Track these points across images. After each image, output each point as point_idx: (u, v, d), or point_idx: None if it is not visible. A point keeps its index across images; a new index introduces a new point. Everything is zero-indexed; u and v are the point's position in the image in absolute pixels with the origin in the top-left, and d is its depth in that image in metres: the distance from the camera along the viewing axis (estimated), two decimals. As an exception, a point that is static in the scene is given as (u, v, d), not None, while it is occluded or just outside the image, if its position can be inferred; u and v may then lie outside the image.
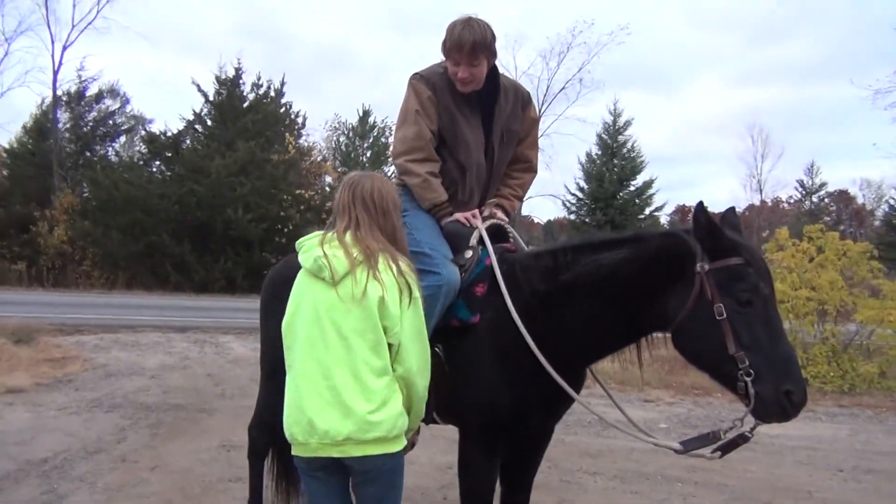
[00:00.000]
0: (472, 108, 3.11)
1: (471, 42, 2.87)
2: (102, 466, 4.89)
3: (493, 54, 3.03)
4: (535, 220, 42.66)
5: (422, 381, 2.31)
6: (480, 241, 2.96)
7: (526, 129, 3.32)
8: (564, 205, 33.38)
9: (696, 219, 2.38)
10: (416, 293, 2.29)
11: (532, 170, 3.43)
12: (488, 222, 3.07)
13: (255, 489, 3.70)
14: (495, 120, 3.16)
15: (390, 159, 3.34)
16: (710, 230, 2.37)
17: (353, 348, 2.17)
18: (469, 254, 2.92)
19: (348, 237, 2.29)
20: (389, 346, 2.23)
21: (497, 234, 3.09)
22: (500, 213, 3.19)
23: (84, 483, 4.56)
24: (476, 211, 3.10)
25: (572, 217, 33.35)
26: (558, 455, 5.61)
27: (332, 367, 2.16)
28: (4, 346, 9.23)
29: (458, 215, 3.04)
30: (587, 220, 31.53)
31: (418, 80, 3.06)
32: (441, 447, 5.43)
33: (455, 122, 3.06)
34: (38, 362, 8.63)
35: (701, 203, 2.36)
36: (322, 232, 2.37)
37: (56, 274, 24.56)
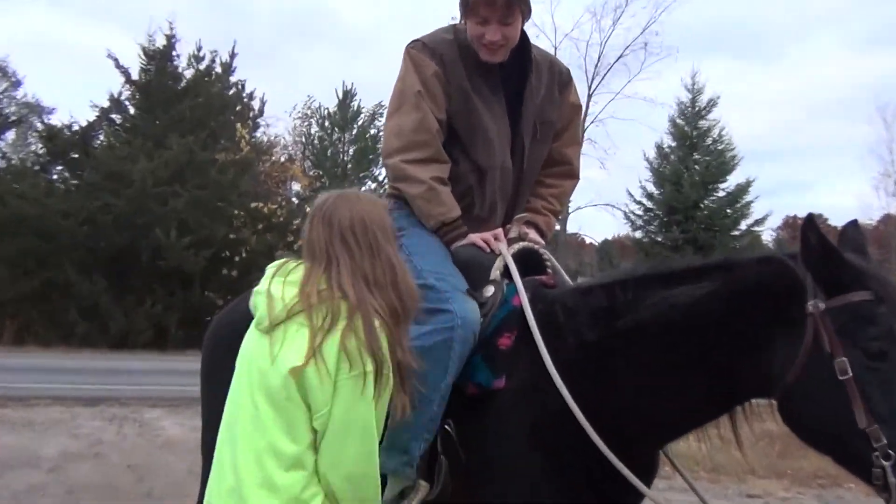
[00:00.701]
0: (495, 89, 3.16)
1: None
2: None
3: (529, 10, 3.09)
4: (587, 241, 42.64)
5: (352, 495, 2.22)
6: (506, 272, 2.97)
7: (565, 120, 3.38)
8: (627, 218, 33.46)
9: (804, 238, 2.38)
10: (369, 368, 2.16)
11: (573, 175, 3.49)
12: (516, 246, 3.08)
13: None
14: (525, 106, 3.20)
15: (381, 159, 3.43)
16: (824, 254, 2.37)
17: (262, 422, 2.14)
18: (490, 291, 2.93)
19: (322, 279, 2.27)
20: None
21: (529, 261, 3.11)
22: (532, 234, 3.23)
23: None
24: (500, 230, 3.11)
25: (638, 235, 33.40)
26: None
27: (239, 442, 2.16)
28: None
29: (475, 237, 3.04)
30: (659, 238, 31.51)
31: (420, 49, 3.11)
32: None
33: (472, 109, 3.10)
34: None
35: (811, 216, 2.38)
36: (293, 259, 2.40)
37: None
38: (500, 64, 3.12)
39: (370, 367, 2.15)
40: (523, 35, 3.15)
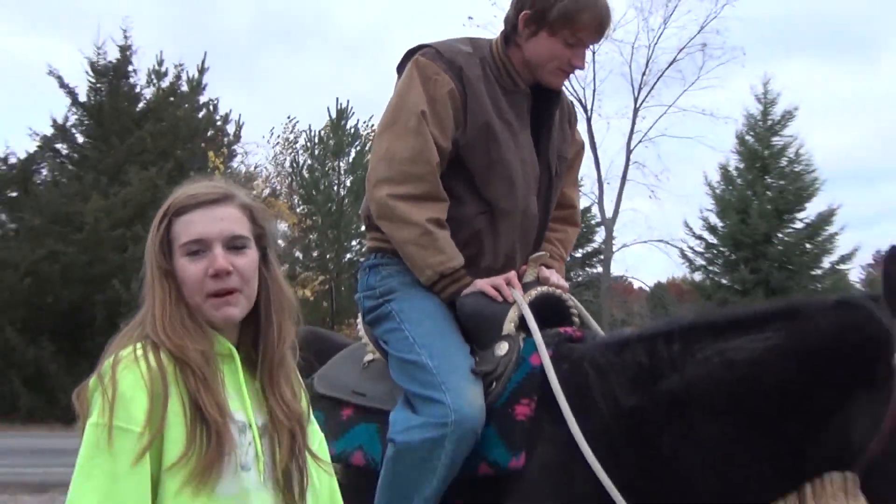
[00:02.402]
0: (521, 116, 3.20)
1: (609, 16, 3.12)
2: None
3: None
4: (636, 286, 42.55)
5: None
6: (522, 324, 2.97)
7: (572, 159, 3.49)
8: (684, 256, 33.42)
9: (887, 276, 2.40)
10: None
11: (576, 222, 3.64)
12: (534, 292, 3.09)
13: None
14: (553, 139, 3.27)
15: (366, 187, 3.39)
16: (915, 297, 2.38)
17: None
18: (503, 348, 2.93)
19: None
20: None
21: (552, 312, 3.12)
22: (555, 277, 3.23)
23: None
24: (513, 273, 3.11)
25: (698, 277, 33.34)
26: None
27: None
28: None
29: (483, 283, 3.03)
30: (724, 280, 31.50)
31: (433, 58, 3.10)
32: None
33: (493, 139, 3.10)
34: None
35: (894, 248, 2.38)
36: None
37: None
38: (530, 93, 3.20)
39: (98, 420, 1.99)
40: None
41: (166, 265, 2.11)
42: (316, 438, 2.32)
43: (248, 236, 2.14)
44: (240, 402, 2.11)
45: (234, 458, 2.02)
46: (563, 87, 3.45)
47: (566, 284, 3.27)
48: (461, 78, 3.05)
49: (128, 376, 1.98)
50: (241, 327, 2.19)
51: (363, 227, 3.18)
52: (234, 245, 2.10)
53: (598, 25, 3.07)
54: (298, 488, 2.15)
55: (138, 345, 2.05)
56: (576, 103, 30.61)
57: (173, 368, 2.01)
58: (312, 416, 2.34)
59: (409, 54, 3.16)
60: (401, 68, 3.17)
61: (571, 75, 3.16)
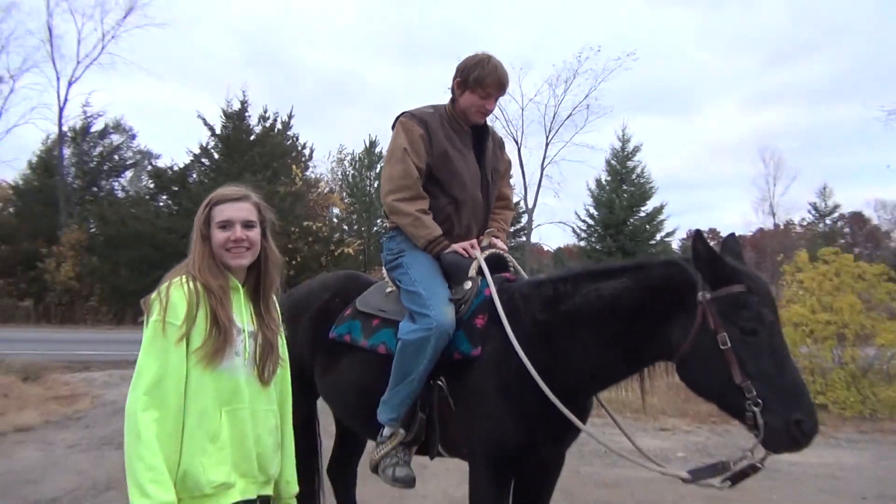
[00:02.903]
0: (466, 144, 3.20)
1: (507, 78, 3.11)
2: (112, 504, 4.91)
3: None
4: (545, 248, 42.51)
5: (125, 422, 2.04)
6: (480, 271, 2.98)
7: (503, 170, 3.46)
8: (575, 232, 33.38)
9: (694, 248, 2.41)
10: (155, 318, 2.06)
11: (511, 207, 3.58)
12: (487, 252, 3.10)
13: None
14: (487, 157, 3.27)
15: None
16: (709, 258, 2.39)
17: None
18: (468, 285, 2.95)
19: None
20: None
21: (497, 264, 3.12)
22: (499, 243, 3.24)
23: (93, 522, 4.57)
24: (475, 241, 3.13)
25: (583, 244, 33.32)
26: (574, 486, 5.58)
27: None
28: (13, 384, 9.29)
29: (457, 246, 3.06)
30: (598, 246, 31.46)
31: (409, 118, 3.13)
32: (455, 480, 5.42)
33: (448, 159, 3.11)
34: (46, 400, 8.68)
35: (698, 231, 2.40)
36: None
37: (64, 310, 24.71)
38: (472, 128, 3.22)
39: (156, 317, 2.04)
40: None
41: (205, 232, 2.22)
42: (283, 344, 2.38)
43: (256, 221, 2.26)
44: (239, 316, 2.19)
45: (231, 348, 2.12)
46: (495, 127, 3.48)
47: (506, 248, 3.27)
48: (426, 127, 3.09)
49: (175, 292, 2.08)
50: (246, 274, 2.27)
51: (384, 215, 3.18)
52: (247, 225, 2.22)
53: (499, 83, 3.09)
54: (269, 374, 2.23)
55: (183, 277, 2.13)
56: (510, 139, 30.89)
57: (203, 292, 2.10)
58: (282, 329, 2.39)
59: (398, 117, 3.17)
60: (393, 125, 3.19)
61: (496, 117, 3.22)
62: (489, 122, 3.37)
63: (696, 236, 2.40)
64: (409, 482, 2.90)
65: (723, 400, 2.40)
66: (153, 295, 2.10)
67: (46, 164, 29.41)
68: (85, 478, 5.57)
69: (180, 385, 2.04)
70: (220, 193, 2.28)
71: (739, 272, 2.41)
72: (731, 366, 2.30)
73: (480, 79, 3.06)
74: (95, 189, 30.29)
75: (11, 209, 28.75)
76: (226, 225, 2.20)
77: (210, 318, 2.09)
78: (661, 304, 2.49)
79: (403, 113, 3.17)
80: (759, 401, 2.24)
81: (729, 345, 2.31)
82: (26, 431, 7.16)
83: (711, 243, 2.44)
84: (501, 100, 3.34)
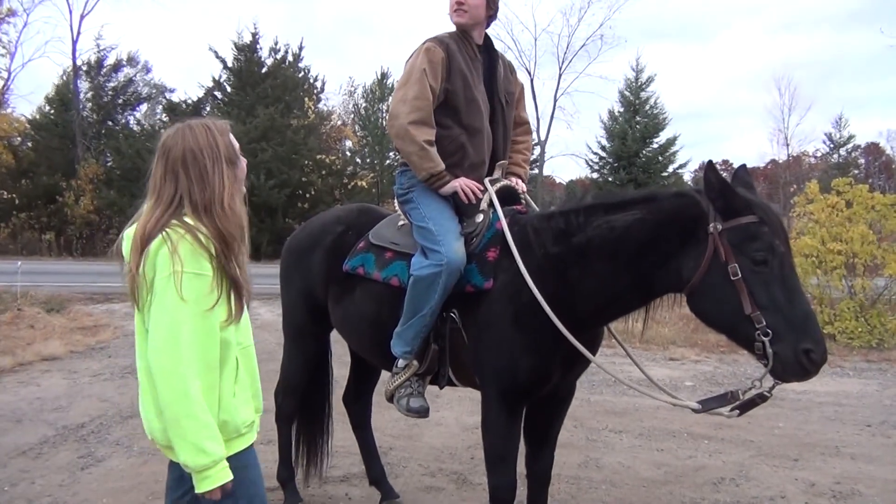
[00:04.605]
0: (478, 71, 3.10)
1: None
2: (138, 430, 5.02)
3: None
4: (558, 181, 42.16)
5: (163, 382, 1.80)
6: (491, 203, 2.94)
7: (518, 93, 3.35)
8: (587, 164, 32.90)
9: (706, 179, 2.36)
10: (177, 269, 1.81)
11: (530, 132, 3.47)
12: (498, 184, 3.04)
13: (284, 453, 3.80)
14: (498, 83, 3.16)
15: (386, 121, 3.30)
16: (721, 189, 2.35)
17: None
18: (479, 218, 2.91)
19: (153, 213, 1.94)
20: None
21: (508, 196, 3.08)
22: (514, 180, 3.18)
23: (120, 447, 4.73)
24: (474, 185, 3.02)
25: (595, 176, 32.92)
26: (584, 414, 5.68)
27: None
28: (38, 316, 9.49)
29: (457, 184, 2.98)
30: (610, 179, 31.10)
31: (434, 42, 3.02)
32: (468, 408, 5.54)
33: (467, 85, 3.02)
34: (70, 331, 8.87)
35: (710, 162, 2.34)
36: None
37: (84, 243, 25.03)
38: (481, 55, 3.12)
39: (178, 268, 1.80)
40: (488, 37, 3.17)
41: (234, 158, 2.06)
42: None
43: None
44: None
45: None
46: (507, 57, 3.39)
47: (524, 186, 3.23)
48: (448, 51, 2.98)
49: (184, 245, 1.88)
50: None
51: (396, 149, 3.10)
52: None
53: None
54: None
55: (180, 229, 1.91)
56: (522, 70, 30.29)
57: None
58: None
59: (423, 42, 3.06)
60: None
61: (507, 47, 3.18)
62: (500, 51, 3.27)
63: (709, 167, 2.35)
64: (423, 412, 2.94)
65: (733, 330, 2.38)
66: (163, 246, 1.83)
67: (62, 98, 29.21)
68: (110, 405, 5.73)
69: (217, 337, 1.90)
70: (221, 126, 2.09)
71: (751, 203, 2.36)
72: (742, 296, 2.28)
73: None
74: (111, 123, 30.13)
75: (29, 143, 28.73)
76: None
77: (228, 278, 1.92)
78: (673, 236, 2.45)
79: (429, 38, 3.07)
80: (769, 331, 2.24)
81: (740, 275, 2.29)
82: (52, 361, 7.36)
83: (723, 174, 2.39)
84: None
